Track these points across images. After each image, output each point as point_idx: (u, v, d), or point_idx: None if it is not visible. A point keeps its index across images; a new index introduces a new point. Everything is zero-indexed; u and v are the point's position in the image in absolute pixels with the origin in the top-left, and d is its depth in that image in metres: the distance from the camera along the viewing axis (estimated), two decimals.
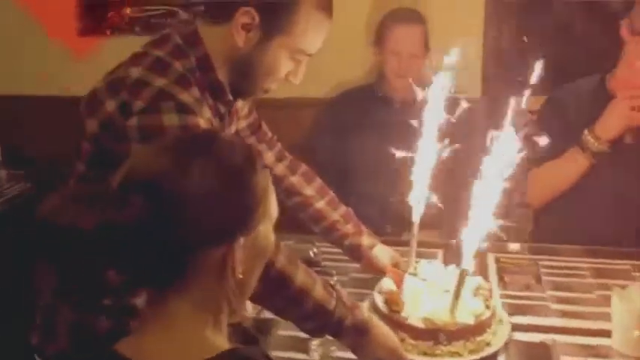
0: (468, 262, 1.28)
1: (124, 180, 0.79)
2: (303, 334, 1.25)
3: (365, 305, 1.42)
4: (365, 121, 2.24)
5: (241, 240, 0.82)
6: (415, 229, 1.51)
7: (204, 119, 1.18)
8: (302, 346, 1.34)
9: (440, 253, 1.78)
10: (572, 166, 1.92)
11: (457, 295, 1.30)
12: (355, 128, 2.24)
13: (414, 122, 1.47)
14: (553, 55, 2.51)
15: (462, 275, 1.29)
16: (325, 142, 2.30)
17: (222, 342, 0.84)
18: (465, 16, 2.42)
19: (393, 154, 1.89)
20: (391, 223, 2.16)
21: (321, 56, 2.44)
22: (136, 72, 1.18)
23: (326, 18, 1.29)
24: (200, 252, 0.80)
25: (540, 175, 1.98)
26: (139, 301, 1.17)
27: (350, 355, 1.26)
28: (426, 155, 1.47)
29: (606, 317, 1.43)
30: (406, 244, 1.90)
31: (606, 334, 1.37)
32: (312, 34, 1.27)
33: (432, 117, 1.47)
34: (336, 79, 2.49)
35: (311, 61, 2.50)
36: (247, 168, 0.83)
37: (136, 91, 1.16)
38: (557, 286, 1.57)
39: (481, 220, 1.24)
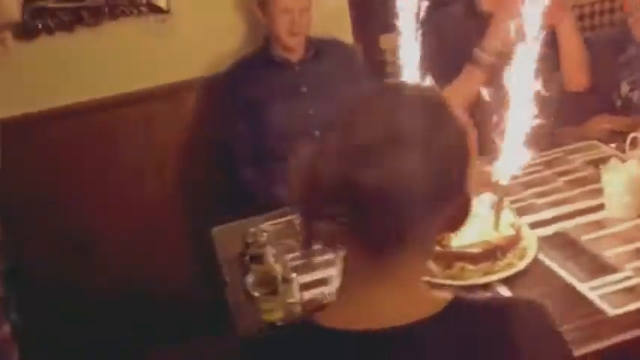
0: (505, 180, 1.36)
1: (384, 133, 0.72)
2: None
3: None
4: (268, 88, 2.16)
5: None
6: None
7: None
8: None
9: None
10: (471, 81, 2.11)
11: (499, 211, 1.38)
12: (261, 98, 2.15)
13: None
14: None
15: (502, 192, 1.37)
16: (231, 121, 2.18)
17: (441, 293, 0.80)
18: None
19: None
20: None
21: (187, 32, 2.30)
22: None
23: None
24: (449, 203, 0.76)
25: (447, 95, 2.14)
26: None
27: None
28: None
29: (582, 197, 1.64)
30: None
31: (595, 209, 1.57)
32: None
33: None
34: (210, 53, 2.34)
35: (177, 39, 2.33)
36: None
37: None
38: (527, 185, 1.74)
39: (515, 141, 1.32)
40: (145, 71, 2.29)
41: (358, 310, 0.76)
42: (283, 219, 1.79)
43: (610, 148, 1.87)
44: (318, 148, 0.73)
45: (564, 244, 1.47)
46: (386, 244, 0.75)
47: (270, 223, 1.75)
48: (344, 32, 2.44)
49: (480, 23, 2.19)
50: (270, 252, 1.35)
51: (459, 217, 0.78)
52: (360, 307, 0.76)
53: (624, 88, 2.30)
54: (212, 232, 1.79)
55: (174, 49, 2.29)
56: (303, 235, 0.75)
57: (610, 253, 1.41)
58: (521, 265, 1.38)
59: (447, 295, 0.78)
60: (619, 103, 2.32)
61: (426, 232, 0.77)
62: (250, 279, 1.39)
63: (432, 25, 2.26)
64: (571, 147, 1.93)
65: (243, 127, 2.15)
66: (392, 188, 0.70)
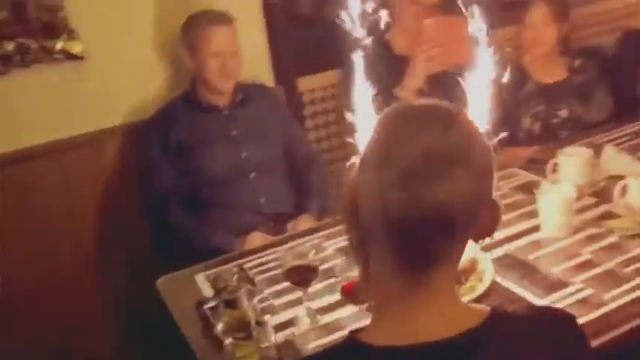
0: None
1: (431, 156, 0.73)
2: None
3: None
4: (198, 134, 2.12)
5: None
6: None
7: None
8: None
9: None
10: None
11: None
12: (192, 144, 2.10)
13: None
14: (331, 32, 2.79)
15: None
16: (160, 167, 2.10)
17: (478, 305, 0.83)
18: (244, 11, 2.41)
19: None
20: (270, 221, 2.13)
21: (105, 79, 2.22)
22: None
23: None
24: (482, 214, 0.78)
25: None
26: None
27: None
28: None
29: (517, 220, 1.76)
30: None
31: (532, 230, 1.69)
32: None
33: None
34: (130, 100, 2.26)
35: (94, 86, 2.23)
36: None
37: None
38: None
39: None
40: (61, 120, 2.16)
41: (400, 327, 0.77)
42: (229, 265, 1.75)
43: (531, 174, 2.03)
44: (365, 176, 0.73)
45: (515, 265, 1.56)
46: (429, 263, 0.76)
47: (219, 269, 1.70)
48: (266, 76, 2.47)
49: (397, 64, 2.32)
50: (244, 296, 1.31)
51: (490, 225, 0.81)
52: (402, 323, 0.77)
53: (526, 121, 2.52)
54: (157, 283, 1.70)
55: (91, 96, 2.19)
56: (360, 267, 0.75)
57: (556, 270, 1.52)
58: (482, 288, 1.44)
59: (484, 307, 0.81)
60: (522, 135, 2.53)
61: (461, 245, 0.79)
62: (220, 325, 1.33)
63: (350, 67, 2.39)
64: None
65: (172, 173, 2.09)
66: (445, 208, 0.72)
